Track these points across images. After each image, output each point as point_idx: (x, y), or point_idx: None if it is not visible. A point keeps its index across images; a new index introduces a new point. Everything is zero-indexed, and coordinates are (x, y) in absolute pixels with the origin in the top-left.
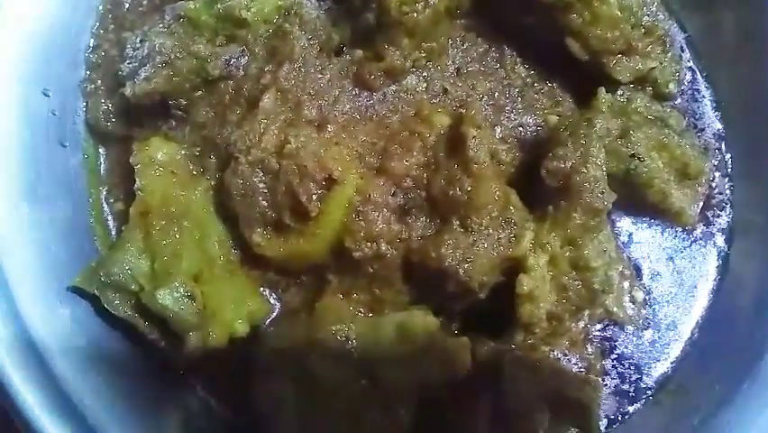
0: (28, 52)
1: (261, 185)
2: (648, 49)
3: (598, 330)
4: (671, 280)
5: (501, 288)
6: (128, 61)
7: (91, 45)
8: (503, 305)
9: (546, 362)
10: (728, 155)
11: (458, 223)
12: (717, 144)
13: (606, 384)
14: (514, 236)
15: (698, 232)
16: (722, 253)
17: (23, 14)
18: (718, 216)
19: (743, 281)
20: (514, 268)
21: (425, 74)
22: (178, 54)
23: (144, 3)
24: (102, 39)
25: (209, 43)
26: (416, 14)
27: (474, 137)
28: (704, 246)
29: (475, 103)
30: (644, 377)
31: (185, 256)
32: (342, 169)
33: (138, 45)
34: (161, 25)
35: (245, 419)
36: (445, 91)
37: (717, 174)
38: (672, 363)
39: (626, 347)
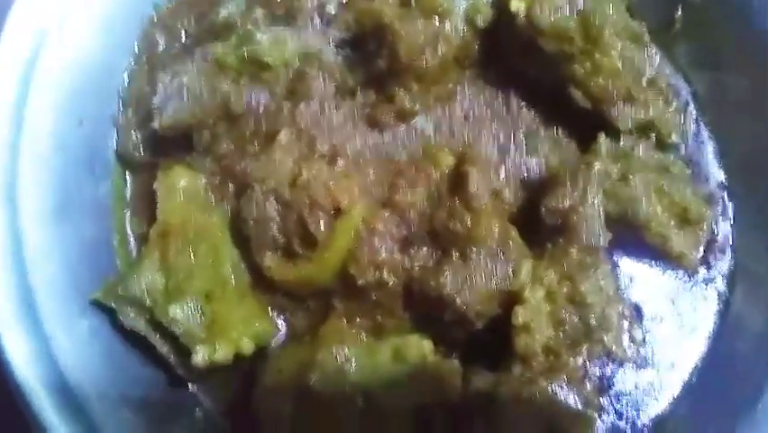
0: (67, 86)
1: (274, 213)
2: (649, 99)
3: (597, 367)
4: (671, 322)
5: (500, 321)
6: (158, 97)
7: (125, 81)
8: (502, 338)
9: (542, 394)
10: (731, 204)
11: (457, 254)
12: (720, 193)
13: (603, 421)
14: (512, 270)
15: (699, 275)
16: (723, 297)
17: (66, 52)
18: (720, 260)
19: (742, 326)
20: (511, 301)
21: (433, 116)
22: (204, 92)
23: (176, 45)
24: (136, 76)
25: (233, 83)
26: (425, 62)
27: (475, 175)
28: (705, 289)
29: (479, 144)
30: (641, 416)
31: (198, 276)
32: (350, 200)
33: (168, 83)
34: (191, 65)
35: None
36: (452, 133)
37: (719, 221)
38: (669, 403)
39: (624, 385)
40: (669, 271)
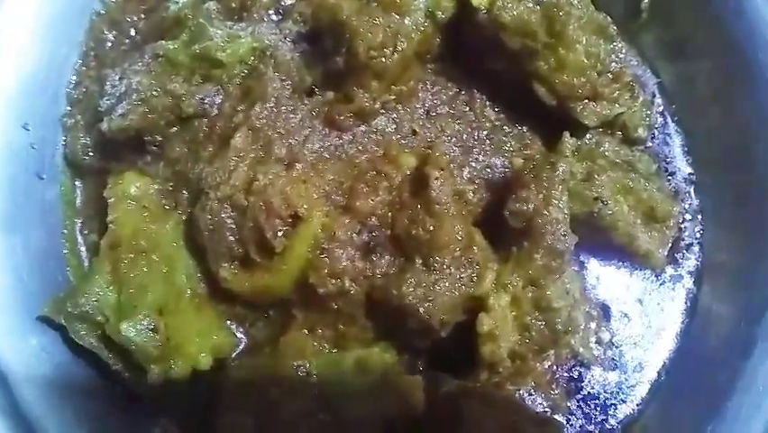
0: (10, 87)
1: (230, 220)
2: (615, 94)
3: (565, 370)
4: (638, 322)
5: (465, 327)
6: (107, 98)
7: (73, 81)
8: (468, 343)
9: (508, 400)
10: (698, 199)
11: (420, 262)
12: (687, 188)
13: (571, 424)
14: (476, 276)
15: (667, 274)
16: (691, 295)
17: (8, 51)
18: (687, 258)
19: (711, 323)
20: (476, 307)
21: (394, 116)
22: (154, 92)
23: (126, 42)
24: (83, 75)
25: (185, 82)
26: (384, 59)
27: (437, 178)
28: (673, 288)
29: (440, 144)
30: (610, 418)
31: (151, 289)
32: (308, 206)
33: (117, 82)
34: (140, 63)
35: None
36: (414, 133)
37: (686, 217)
38: (637, 404)
39: (592, 388)
40: (636, 271)
